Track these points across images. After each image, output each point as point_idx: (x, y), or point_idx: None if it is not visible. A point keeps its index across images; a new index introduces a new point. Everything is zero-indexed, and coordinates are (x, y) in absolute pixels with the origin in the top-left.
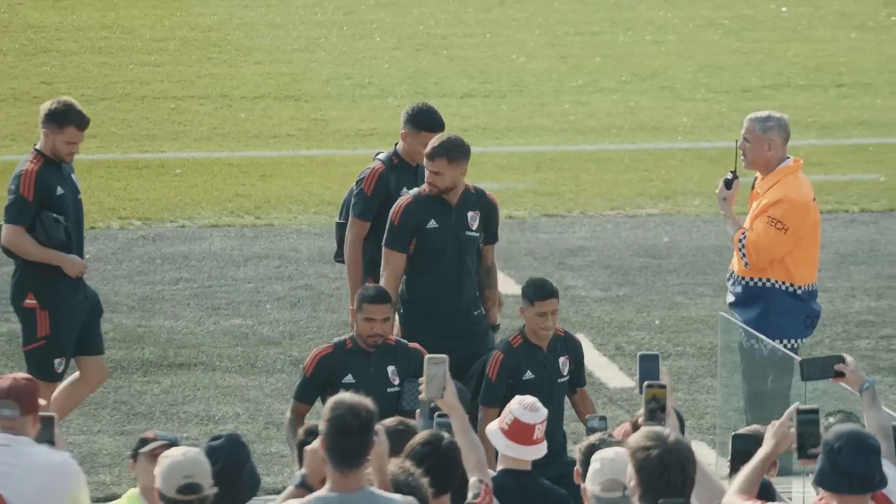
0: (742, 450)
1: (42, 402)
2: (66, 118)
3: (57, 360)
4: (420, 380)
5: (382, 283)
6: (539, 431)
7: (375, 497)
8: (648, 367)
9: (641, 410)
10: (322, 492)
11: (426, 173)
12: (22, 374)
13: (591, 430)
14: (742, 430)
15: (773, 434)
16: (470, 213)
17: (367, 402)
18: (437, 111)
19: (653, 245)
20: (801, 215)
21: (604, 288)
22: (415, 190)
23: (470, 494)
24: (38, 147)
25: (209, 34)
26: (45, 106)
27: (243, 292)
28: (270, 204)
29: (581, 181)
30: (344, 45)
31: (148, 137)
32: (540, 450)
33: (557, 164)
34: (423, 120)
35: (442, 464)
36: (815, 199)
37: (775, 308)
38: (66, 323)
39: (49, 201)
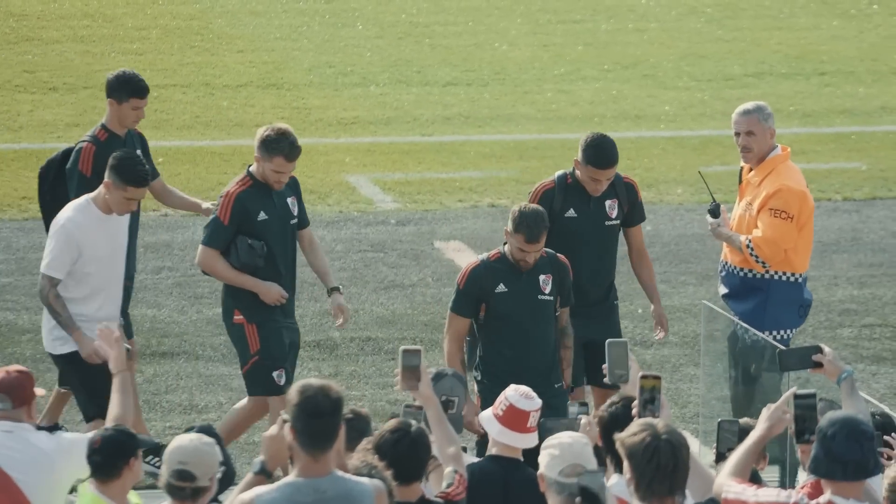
0: (728, 435)
1: (40, 391)
2: (275, 148)
3: (276, 373)
4: (395, 371)
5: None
6: (533, 420)
7: (345, 481)
8: (617, 354)
9: (605, 406)
10: (290, 478)
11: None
12: (15, 367)
13: (574, 415)
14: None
15: (768, 417)
16: (542, 277)
17: (334, 384)
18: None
19: None
20: (801, 202)
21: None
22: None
23: (444, 484)
24: (250, 169)
25: (191, 22)
26: (260, 131)
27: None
28: None
29: (564, 168)
30: (326, 33)
31: None
32: (532, 439)
33: (540, 153)
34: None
35: (411, 451)
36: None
37: (773, 299)
38: (274, 336)
39: (248, 225)
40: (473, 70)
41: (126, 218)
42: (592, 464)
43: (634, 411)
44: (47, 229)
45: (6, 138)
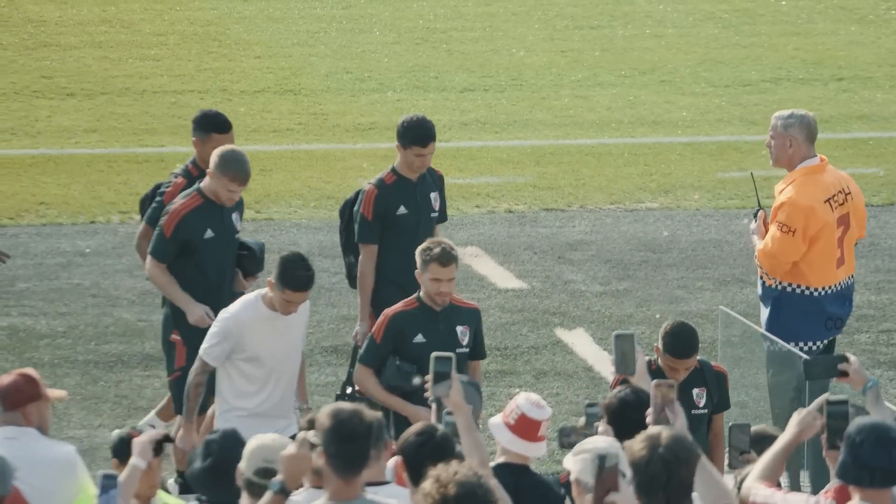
0: (739, 439)
1: (61, 392)
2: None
3: None
4: (426, 377)
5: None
6: (544, 429)
7: (375, 503)
8: (624, 347)
9: (613, 393)
10: (322, 500)
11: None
12: (19, 371)
13: (591, 417)
14: (754, 428)
15: (799, 422)
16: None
17: (367, 408)
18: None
19: (652, 239)
20: (806, 217)
21: (603, 282)
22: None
23: None
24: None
25: (208, 28)
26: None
27: None
28: (270, 198)
29: (581, 175)
30: (343, 39)
31: (148, 132)
32: (542, 447)
33: (557, 159)
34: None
35: (436, 455)
36: (834, 199)
37: (786, 311)
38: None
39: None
40: (490, 76)
41: (301, 316)
42: (626, 470)
43: (649, 419)
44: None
45: (24, 144)
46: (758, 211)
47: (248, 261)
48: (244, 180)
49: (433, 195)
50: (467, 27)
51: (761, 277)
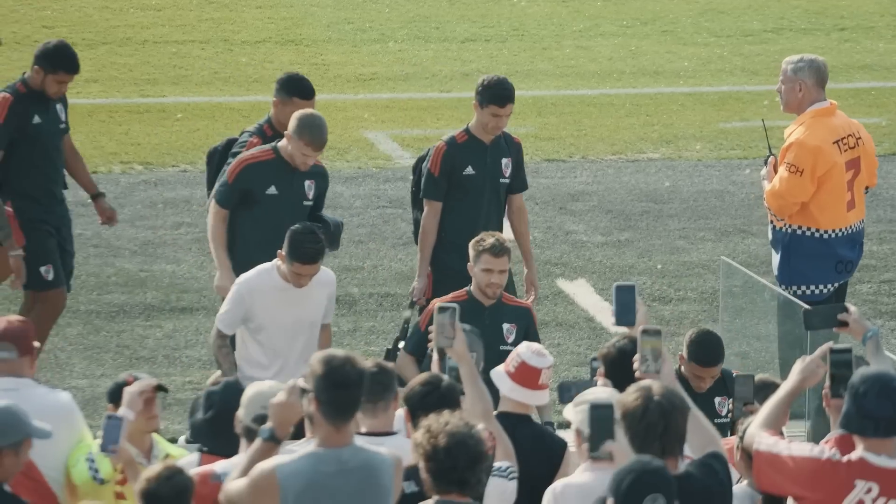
0: (743, 390)
1: (35, 344)
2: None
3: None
4: (430, 328)
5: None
6: (545, 377)
7: (366, 451)
8: (624, 298)
9: (611, 343)
10: (312, 447)
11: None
12: (16, 317)
13: (593, 371)
14: (758, 377)
15: (802, 369)
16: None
17: (359, 355)
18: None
19: (654, 190)
20: (814, 157)
21: (605, 233)
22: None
23: None
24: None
25: None
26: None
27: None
28: None
29: (582, 126)
30: None
31: (149, 82)
32: (544, 396)
33: (558, 109)
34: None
35: (441, 405)
36: (843, 141)
37: (797, 253)
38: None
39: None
40: (492, 26)
41: (323, 289)
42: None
43: (636, 366)
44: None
45: None
46: (768, 157)
47: (325, 234)
48: (319, 146)
49: (504, 160)
50: None
51: (771, 222)
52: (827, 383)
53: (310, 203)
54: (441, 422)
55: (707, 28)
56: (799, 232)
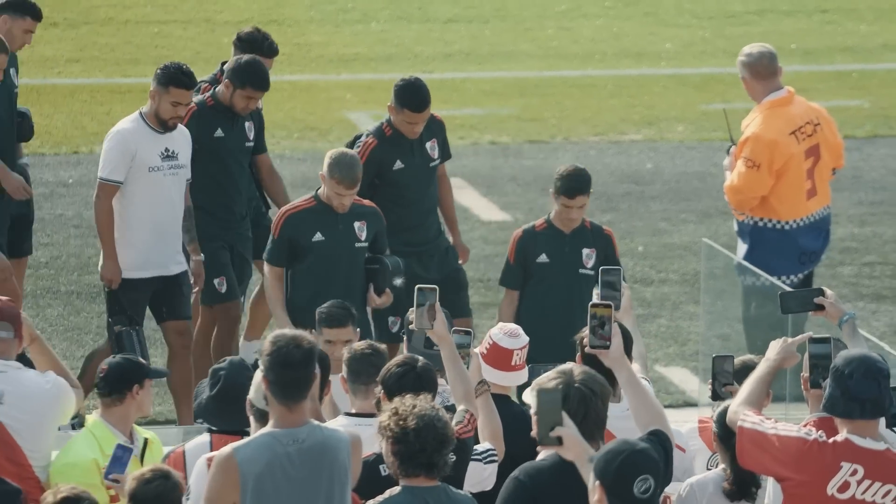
0: (722, 370)
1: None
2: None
3: None
4: (410, 310)
5: None
6: (518, 357)
7: (322, 429)
8: (610, 281)
9: (586, 329)
10: (267, 428)
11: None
12: (4, 297)
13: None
14: (737, 360)
15: (780, 349)
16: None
17: (307, 334)
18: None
19: (636, 171)
20: (770, 151)
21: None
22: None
23: (453, 421)
24: None
25: None
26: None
27: None
28: None
29: (564, 107)
30: None
31: (131, 62)
32: (520, 376)
33: (541, 90)
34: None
35: (416, 386)
36: (801, 130)
37: (760, 245)
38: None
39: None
40: (474, 7)
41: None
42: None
43: (584, 340)
44: None
45: None
46: (730, 147)
47: (380, 276)
48: (351, 183)
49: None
50: None
51: (734, 214)
52: (805, 373)
53: (364, 245)
54: (408, 404)
55: (689, 10)
56: (760, 224)
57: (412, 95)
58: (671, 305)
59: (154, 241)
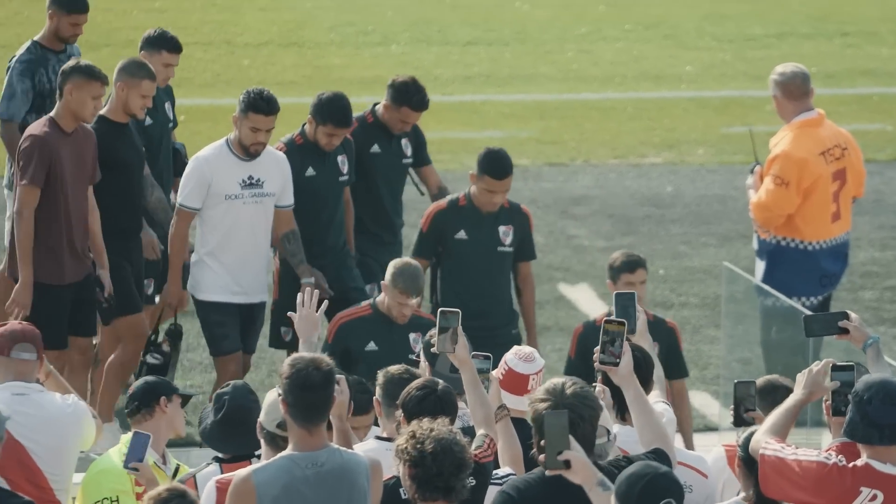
0: (744, 396)
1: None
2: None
3: None
4: (431, 332)
5: None
6: (534, 382)
7: (341, 453)
8: (624, 305)
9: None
10: (287, 451)
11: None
12: (17, 321)
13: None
14: (760, 379)
15: (806, 383)
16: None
17: (326, 357)
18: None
19: (656, 194)
20: (800, 169)
21: (607, 237)
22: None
23: (473, 446)
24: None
25: None
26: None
27: None
28: None
29: (584, 130)
30: None
31: None
32: None
33: (561, 113)
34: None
35: (436, 409)
36: (829, 152)
37: (781, 265)
38: None
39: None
40: (494, 29)
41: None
42: (609, 426)
43: (595, 356)
44: None
45: None
46: (755, 166)
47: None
48: (416, 292)
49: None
50: None
51: (756, 231)
52: (828, 398)
53: (417, 359)
54: (426, 428)
55: (710, 33)
56: (783, 243)
57: (494, 163)
58: (691, 329)
59: (233, 267)
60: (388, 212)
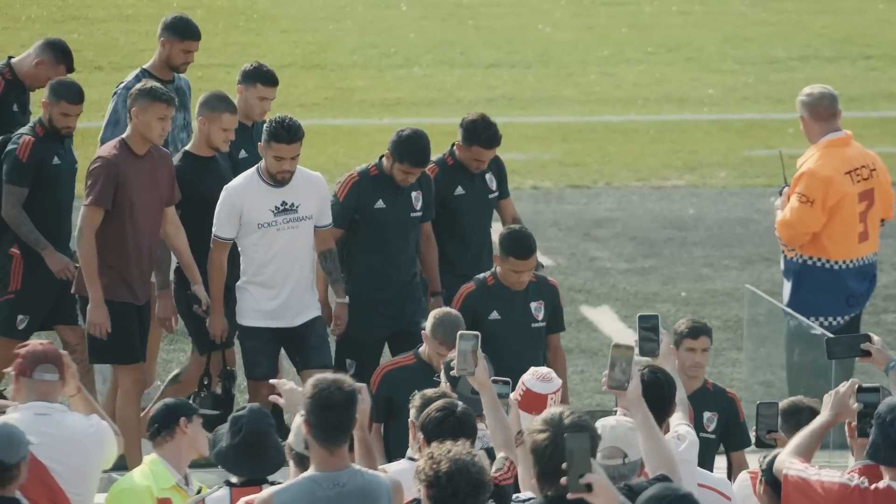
0: (767, 417)
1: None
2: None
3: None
4: (451, 354)
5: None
6: (552, 401)
7: (363, 474)
8: (648, 328)
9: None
10: (308, 472)
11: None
12: (44, 341)
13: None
14: (784, 401)
15: (833, 405)
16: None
17: (348, 378)
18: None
19: (678, 217)
20: (825, 187)
21: (629, 259)
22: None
23: (493, 468)
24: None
25: (236, 2)
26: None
27: None
28: None
29: (607, 152)
30: (370, 14)
31: None
32: None
33: (583, 135)
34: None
35: (456, 430)
36: (856, 172)
37: (808, 284)
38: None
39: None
40: (517, 52)
41: None
42: (635, 448)
43: (604, 380)
44: None
45: None
46: (783, 188)
47: None
48: (453, 343)
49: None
50: (494, 3)
51: (783, 251)
52: (852, 419)
53: (437, 379)
54: (444, 449)
55: (732, 55)
56: (810, 262)
57: (517, 243)
58: (714, 352)
59: (272, 293)
60: (476, 250)
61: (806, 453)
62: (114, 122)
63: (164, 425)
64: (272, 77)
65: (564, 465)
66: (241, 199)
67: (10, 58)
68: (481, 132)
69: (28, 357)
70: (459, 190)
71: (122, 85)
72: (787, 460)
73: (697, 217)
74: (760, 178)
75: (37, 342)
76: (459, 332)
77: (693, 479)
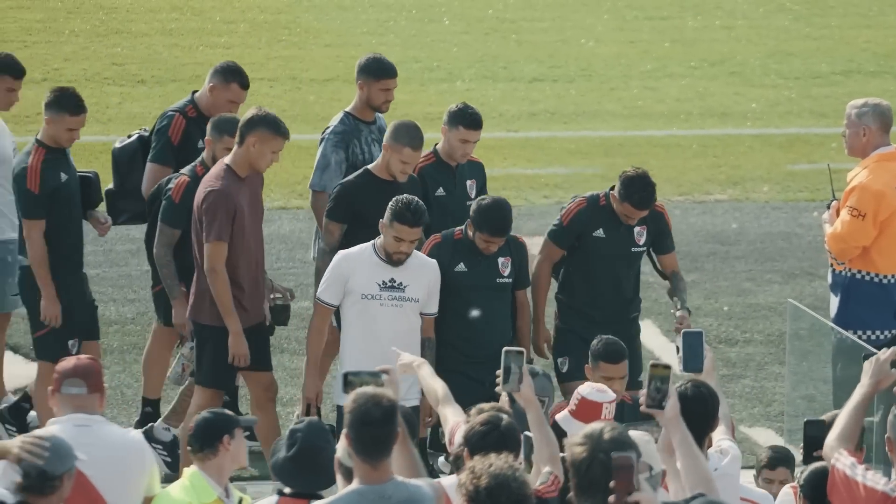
0: (814, 435)
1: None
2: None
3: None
4: (497, 372)
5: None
6: (608, 411)
7: (407, 486)
8: (692, 344)
9: (674, 386)
10: (354, 485)
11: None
12: (85, 355)
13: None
14: (829, 414)
15: (874, 371)
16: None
17: (388, 392)
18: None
19: (721, 231)
20: (877, 202)
21: None
22: None
23: (538, 482)
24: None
25: (279, 16)
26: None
27: (311, 275)
28: None
29: (649, 167)
30: (413, 28)
31: None
32: None
33: (626, 150)
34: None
35: (500, 445)
36: None
37: (856, 298)
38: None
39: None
40: (560, 66)
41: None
42: (657, 460)
43: (641, 399)
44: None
45: (95, 130)
46: (832, 201)
47: None
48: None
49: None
50: (537, 17)
51: (831, 265)
52: (890, 433)
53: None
54: (485, 463)
55: (775, 70)
56: (858, 276)
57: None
58: (756, 366)
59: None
60: (616, 297)
61: (851, 436)
62: (323, 167)
63: (207, 444)
64: (475, 121)
65: (612, 484)
66: (350, 266)
67: (193, 92)
68: (634, 192)
69: (59, 373)
70: (599, 232)
71: (328, 130)
72: (837, 448)
73: (740, 231)
74: (803, 193)
75: (74, 357)
76: (504, 349)
77: (736, 493)
